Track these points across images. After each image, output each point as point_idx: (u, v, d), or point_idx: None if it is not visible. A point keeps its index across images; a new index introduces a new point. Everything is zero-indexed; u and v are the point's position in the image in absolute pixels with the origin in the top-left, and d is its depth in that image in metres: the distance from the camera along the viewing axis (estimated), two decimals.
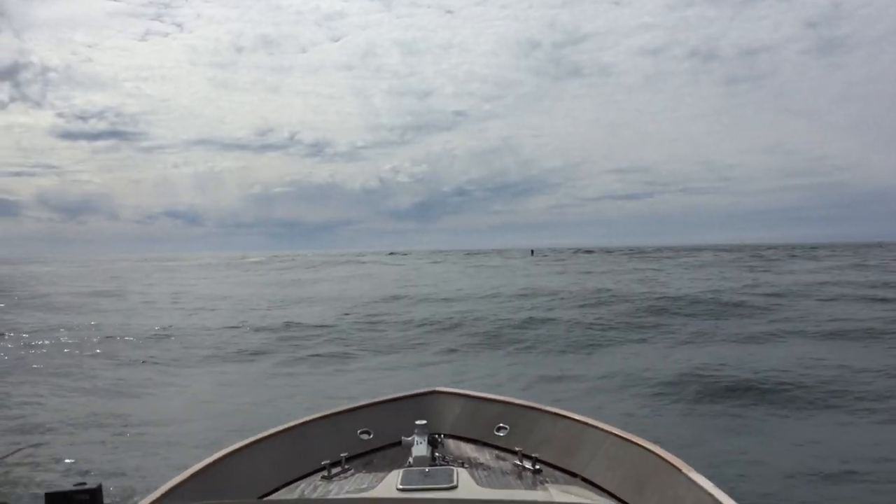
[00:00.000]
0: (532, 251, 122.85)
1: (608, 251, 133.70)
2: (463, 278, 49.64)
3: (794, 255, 76.84)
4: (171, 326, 22.33)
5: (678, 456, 3.39)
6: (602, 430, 4.08)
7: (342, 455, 4.22)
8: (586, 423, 4.22)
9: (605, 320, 21.11)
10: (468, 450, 4.55)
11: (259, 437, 4.24)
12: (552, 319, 21.67)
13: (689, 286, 32.74)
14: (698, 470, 3.23)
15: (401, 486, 3.23)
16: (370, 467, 4.24)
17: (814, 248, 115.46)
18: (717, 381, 12.07)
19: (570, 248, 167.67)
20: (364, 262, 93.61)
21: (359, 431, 4.66)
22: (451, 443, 4.64)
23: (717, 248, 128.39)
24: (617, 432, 3.95)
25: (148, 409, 11.49)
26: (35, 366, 15.49)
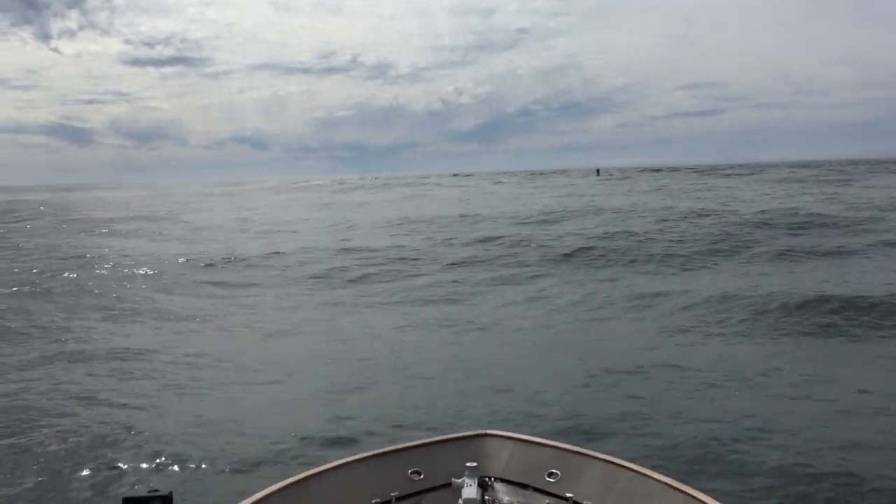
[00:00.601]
0: (598, 171, 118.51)
1: (676, 169, 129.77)
2: (525, 198, 48.72)
3: (873, 171, 72.41)
4: (236, 250, 22.35)
5: None
6: (659, 481, 3.92)
7: (392, 495, 4.17)
8: (641, 473, 4.07)
9: (676, 238, 20.06)
10: (518, 495, 4.42)
11: (306, 474, 4.15)
12: (618, 234, 20.82)
13: (768, 202, 31.18)
14: None
15: None
16: None
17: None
18: (813, 300, 11.09)
19: (637, 168, 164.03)
20: (426, 184, 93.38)
21: (409, 471, 4.52)
22: (501, 486, 4.49)
23: (793, 165, 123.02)
24: (675, 485, 3.79)
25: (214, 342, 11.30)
26: (94, 291, 15.50)
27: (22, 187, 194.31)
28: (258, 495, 3.71)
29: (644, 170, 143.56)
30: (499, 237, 22.28)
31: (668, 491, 3.79)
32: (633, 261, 16.53)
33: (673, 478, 3.86)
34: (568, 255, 17.90)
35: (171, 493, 1.27)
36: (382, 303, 13.49)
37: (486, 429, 5.05)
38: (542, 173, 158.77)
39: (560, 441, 4.81)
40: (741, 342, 9.46)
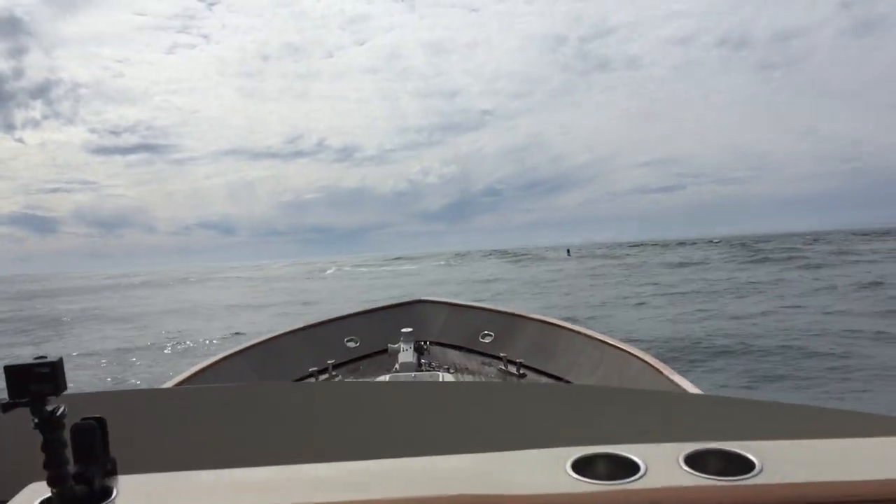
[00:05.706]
0: (568, 250, 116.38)
1: (636, 244, 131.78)
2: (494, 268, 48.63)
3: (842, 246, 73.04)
4: None
5: (660, 360, 3.33)
6: (585, 335, 4.09)
7: (329, 362, 4.20)
8: (569, 329, 4.23)
9: None
10: (454, 356, 4.57)
11: (241, 347, 4.19)
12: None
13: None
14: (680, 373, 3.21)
15: None
16: (357, 374, 4.21)
17: (865, 234, 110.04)
18: None
19: (603, 244, 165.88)
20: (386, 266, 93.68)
21: (345, 340, 4.63)
22: (436, 349, 4.66)
23: (755, 238, 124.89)
24: (600, 337, 3.94)
25: None
26: None
27: None
28: (200, 365, 3.67)
29: (613, 245, 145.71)
30: None
31: (596, 344, 3.89)
32: None
33: (597, 331, 4.01)
34: None
35: (60, 359, 1.02)
36: None
37: (421, 296, 5.25)
38: (505, 251, 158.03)
39: (493, 304, 4.90)
40: None
